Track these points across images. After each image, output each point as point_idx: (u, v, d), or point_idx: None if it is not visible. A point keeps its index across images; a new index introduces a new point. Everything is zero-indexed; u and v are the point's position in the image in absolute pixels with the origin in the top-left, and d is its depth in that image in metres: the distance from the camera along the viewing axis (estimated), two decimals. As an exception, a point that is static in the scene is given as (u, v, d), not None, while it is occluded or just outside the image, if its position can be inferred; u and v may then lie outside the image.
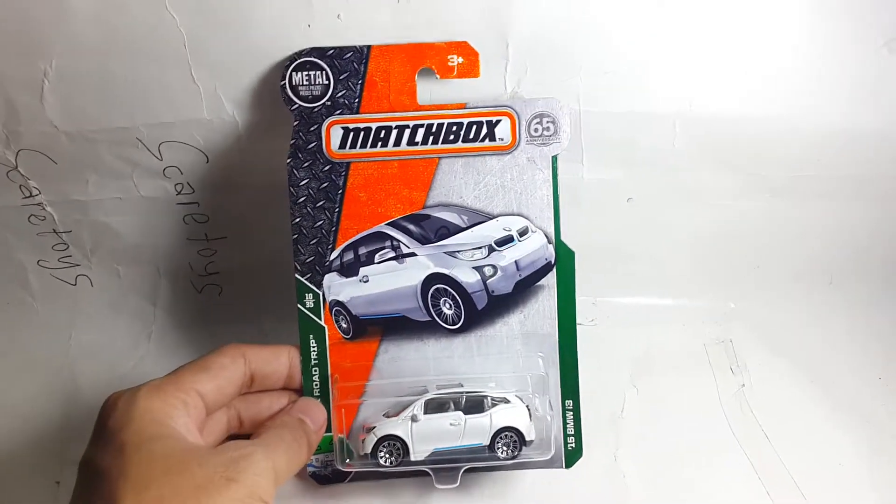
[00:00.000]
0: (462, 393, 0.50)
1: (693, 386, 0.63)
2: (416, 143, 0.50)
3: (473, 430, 0.49)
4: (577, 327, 0.53)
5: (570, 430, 0.52)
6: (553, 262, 0.51)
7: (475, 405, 0.50)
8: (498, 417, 0.50)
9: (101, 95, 0.53)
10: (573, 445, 0.52)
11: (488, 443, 0.49)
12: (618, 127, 0.58)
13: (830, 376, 0.65)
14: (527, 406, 0.50)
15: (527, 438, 0.50)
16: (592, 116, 0.57)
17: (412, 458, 0.49)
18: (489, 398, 0.50)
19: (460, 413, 0.49)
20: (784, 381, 0.64)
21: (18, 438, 0.59)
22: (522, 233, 0.51)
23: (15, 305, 0.65)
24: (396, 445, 0.49)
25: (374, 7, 0.51)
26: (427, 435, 0.49)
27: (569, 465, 0.52)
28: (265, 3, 0.50)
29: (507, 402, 0.50)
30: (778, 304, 0.69)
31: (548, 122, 0.50)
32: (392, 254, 0.51)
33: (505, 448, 0.50)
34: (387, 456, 0.49)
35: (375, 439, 0.49)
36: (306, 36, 0.51)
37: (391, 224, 0.51)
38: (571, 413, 0.52)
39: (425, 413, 0.49)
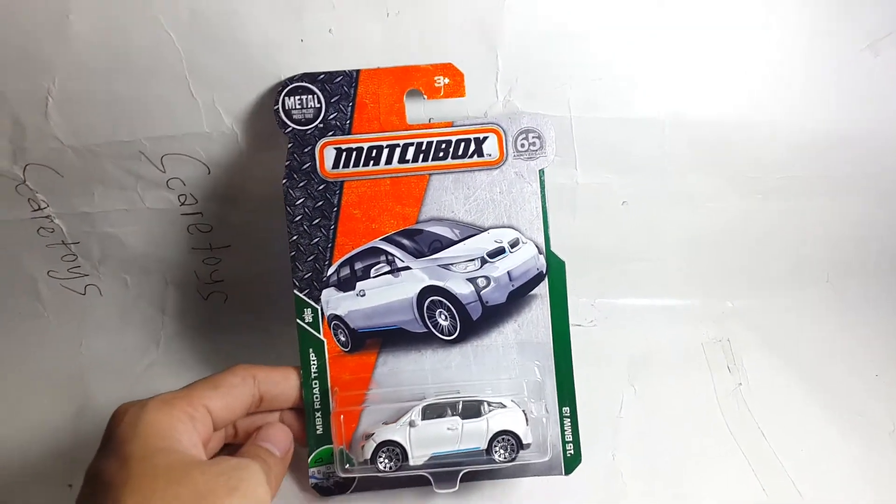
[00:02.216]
0: (459, 398, 0.53)
1: (690, 385, 0.66)
2: (407, 161, 0.53)
3: (471, 435, 0.52)
4: (577, 329, 0.55)
5: (569, 437, 0.55)
6: (544, 271, 0.54)
7: (472, 410, 0.52)
8: (495, 421, 0.52)
9: (104, 111, 0.56)
10: (572, 452, 0.55)
11: (486, 446, 0.52)
12: (609, 132, 0.60)
13: (827, 374, 0.67)
14: (523, 410, 0.53)
15: (524, 441, 0.52)
16: (584, 123, 0.60)
17: (411, 462, 0.52)
18: (486, 403, 0.53)
19: (457, 418, 0.52)
20: (781, 380, 0.67)
21: (32, 443, 0.62)
22: (513, 244, 0.54)
23: (26, 316, 0.69)
24: (395, 451, 0.52)
25: (365, 21, 0.54)
26: (425, 440, 0.52)
27: (568, 471, 0.55)
28: (258, 19, 0.54)
29: (504, 406, 0.53)
30: (775, 303, 0.71)
31: (533, 137, 0.53)
32: (387, 268, 0.54)
33: (502, 451, 0.52)
34: (386, 461, 0.52)
35: (374, 445, 0.52)
36: (299, 49, 0.54)
37: (385, 239, 0.54)
38: (569, 419, 0.55)
39: (423, 418, 0.52)
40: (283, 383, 0.52)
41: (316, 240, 0.54)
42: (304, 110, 0.53)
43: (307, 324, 0.54)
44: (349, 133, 0.53)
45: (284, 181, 0.53)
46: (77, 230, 0.64)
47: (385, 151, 0.53)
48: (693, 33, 0.57)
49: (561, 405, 0.55)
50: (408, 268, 0.54)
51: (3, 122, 0.57)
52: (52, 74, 0.54)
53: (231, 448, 0.52)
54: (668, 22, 0.57)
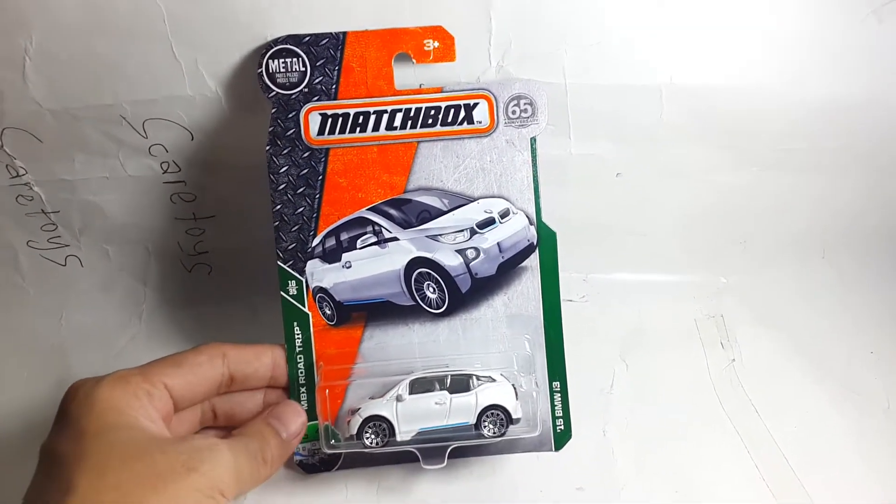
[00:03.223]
0: (447, 372, 0.52)
1: (683, 361, 0.66)
2: (395, 128, 0.52)
3: (459, 409, 0.51)
4: (569, 304, 0.54)
5: (559, 412, 0.54)
6: (535, 242, 0.54)
7: (461, 384, 0.52)
8: (484, 396, 0.51)
9: (83, 72, 0.55)
10: (562, 427, 0.54)
11: (474, 421, 0.51)
12: (604, 100, 0.59)
13: (822, 350, 0.67)
14: (512, 385, 0.52)
15: (513, 416, 0.52)
16: (578, 89, 0.59)
17: (398, 438, 0.51)
18: (475, 377, 0.52)
19: (446, 392, 0.52)
20: (775, 356, 0.67)
21: (10, 416, 0.61)
22: (504, 214, 0.54)
23: (5, 287, 0.68)
24: (382, 426, 0.51)
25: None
26: (412, 415, 0.51)
27: (558, 447, 0.54)
28: (242, -23, 0.52)
29: (493, 380, 0.52)
30: (769, 279, 0.71)
31: (525, 103, 0.52)
32: (374, 239, 0.53)
33: (491, 426, 0.52)
34: (372, 437, 0.51)
35: (361, 420, 0.51)
36: (285, 9, 0.53)
37: (372, 209, 0.53)
38: (559, 395, 0.54)
39: (410, 393, 0.52)
40: (256, 362, 0.51)
41: (300, 209, 0.53)
42: (288, 74, 0.52)
43: (291, 296, 0.53)
44: (335, 98, 0.52)
45: (268, 148, 0.52)
46: (57, 198, 0.63)
47: (372, 117, 0.52)
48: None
49: (551, 380, 0.54)
50: (395, 239, 0.53)
51: (-22, 83, 0.55)
52: (28, 33, 0.53)
53: (215, 432, 0.51)
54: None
